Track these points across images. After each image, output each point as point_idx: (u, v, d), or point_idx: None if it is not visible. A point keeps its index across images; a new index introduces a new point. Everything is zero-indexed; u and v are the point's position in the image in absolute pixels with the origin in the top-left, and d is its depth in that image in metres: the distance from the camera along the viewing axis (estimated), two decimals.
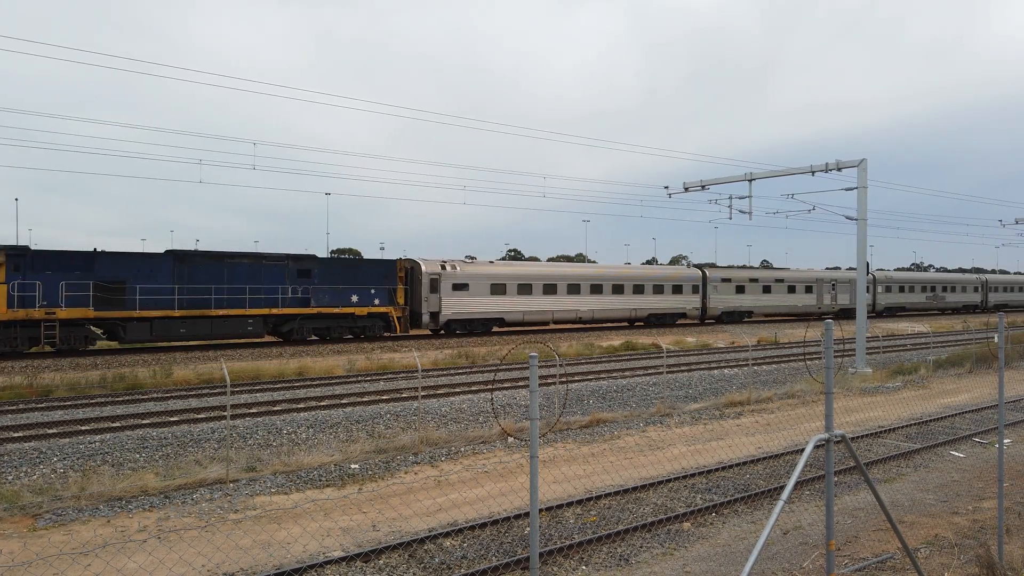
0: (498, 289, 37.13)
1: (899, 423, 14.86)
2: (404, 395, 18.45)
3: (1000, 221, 50.01)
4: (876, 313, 56.54)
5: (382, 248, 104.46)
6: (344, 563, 7.44)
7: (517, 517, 8.79)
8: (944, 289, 63.66)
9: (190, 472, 10.94)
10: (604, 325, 43.37)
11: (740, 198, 30.12)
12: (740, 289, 48.73)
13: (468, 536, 8.29)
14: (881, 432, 14.17)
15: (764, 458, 11.91)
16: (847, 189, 25.88)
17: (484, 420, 15.55)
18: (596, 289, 41.06)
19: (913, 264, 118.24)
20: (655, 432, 14.33)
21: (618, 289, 42.05)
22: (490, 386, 19.48)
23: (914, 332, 41.97)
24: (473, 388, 19.72)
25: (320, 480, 10.81)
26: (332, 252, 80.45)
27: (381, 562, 7.54)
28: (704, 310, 46.59)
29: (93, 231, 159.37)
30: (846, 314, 50.95)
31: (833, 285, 54.31)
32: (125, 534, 8.39)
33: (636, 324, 44.19)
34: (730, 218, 31.03)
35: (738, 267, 56.53)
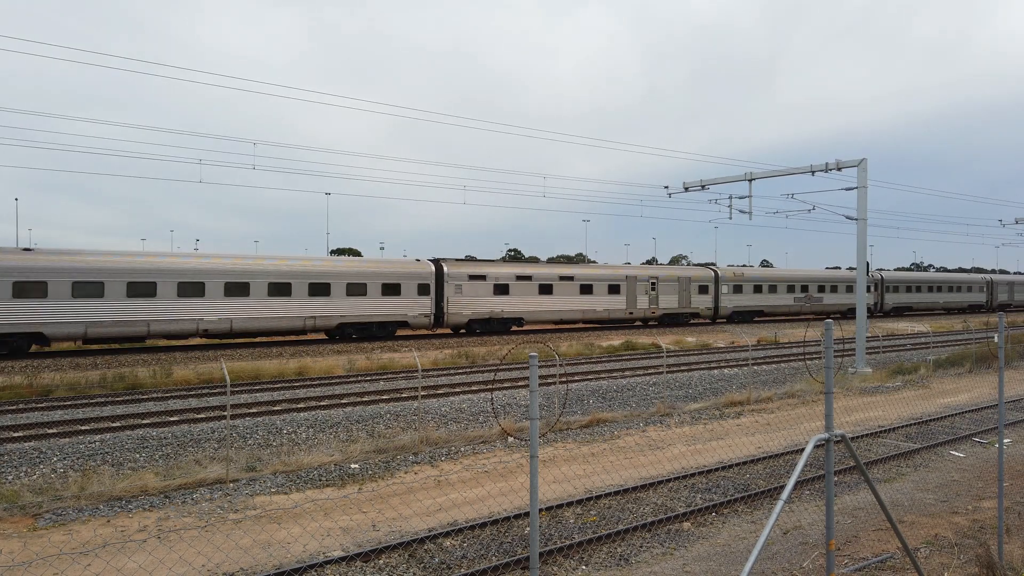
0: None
1: (899, 423, 14.86)
2: (404, 395, 18.45)
3: (1000, 221, 50.05)
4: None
5: (382, 248, 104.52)
6: (344, 563, 7.44)
7: (517, 517, 8.79)
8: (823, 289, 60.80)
9: (190, 472, 10.93)
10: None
11: (740, 198, 30.14)
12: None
13: (468, 536, 8.29)
14: (881, 432, 14.17)
15: (764, 458, 11.91)
16: (847, 189, 25.89)
17: (484, 420, 15.55)
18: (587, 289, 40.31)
19: (913, 264, 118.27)
20: (655, 432, 14.33)
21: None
22: (490, 386, 19.47)
23: (914, 332, 41.98)
24: (473, 388, 19.71)
25: (320, 480, 10.81)
26: (332, 252, 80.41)
27: (381, 562, 7.53)
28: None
29: (93, 231, 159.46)
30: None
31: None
32: (125, 534, 8.39)
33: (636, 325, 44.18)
34: (730, 218, 31.06)
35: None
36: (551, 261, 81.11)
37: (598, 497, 9.70)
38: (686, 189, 30.81)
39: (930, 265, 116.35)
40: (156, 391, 19.34)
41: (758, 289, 49.21)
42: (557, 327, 42.27)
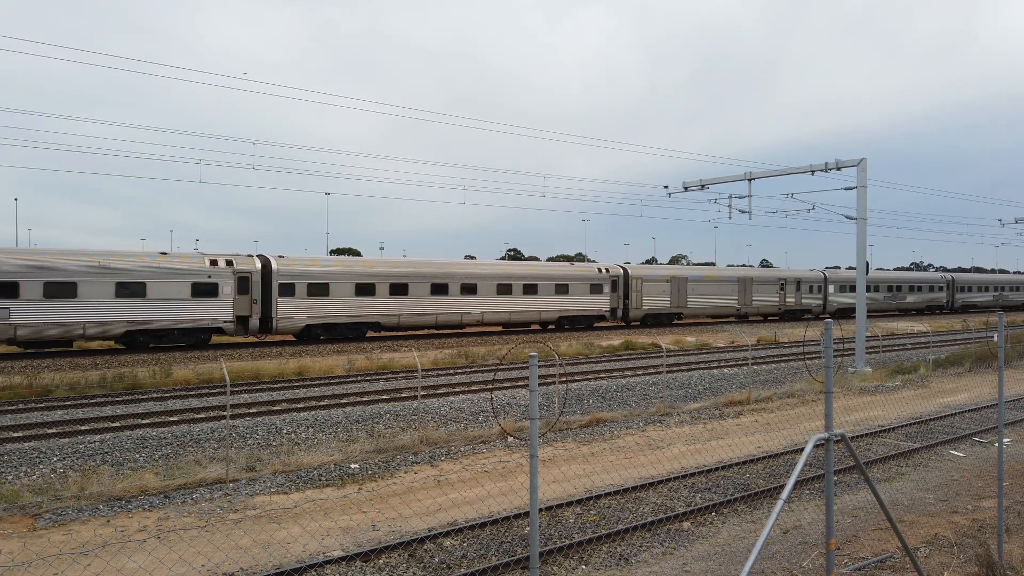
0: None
1: (899, 422, 14.86)
2: (404, 395, 18.45)
3: (1000, 220, 50.05)
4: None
5: (381, 248, 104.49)
6: (344, 563, 7.44)
7: (517, 516, 8.79)
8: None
9: (190, 472, 10.93)
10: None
11: (740, 197, 30.12)
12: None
13: (468, 536, 8.29)
14: (881, 431, 14.17)
15: (764, 457, 11.91)
16: (847, 188, 25.89)
17: (484, 420, 15.55)
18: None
19: (913, 263, 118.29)
20: (655, 432, 14.33)
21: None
22: (490, 386, 19.47)
23: (914, 332, 42.00)
24: (473, 388, 19.71)
25: (320, 480, 10.81)
26: (331, 252, 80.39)
27: (381, 562, 7.54)
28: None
29: (93, 231, 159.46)
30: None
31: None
32: (125, 534, 8.39)
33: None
34: (730, 217, 31.03)
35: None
36: (550, 260, 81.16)
37: (598, 497, 9.70)
38: (686, 189, 30.80)
39: (929, 265, 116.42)
40: (156, 391, 19.34)
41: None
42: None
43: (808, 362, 25.93)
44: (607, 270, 41.29)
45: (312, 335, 31.16)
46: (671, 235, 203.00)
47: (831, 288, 54.10)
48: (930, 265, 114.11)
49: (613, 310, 41.51)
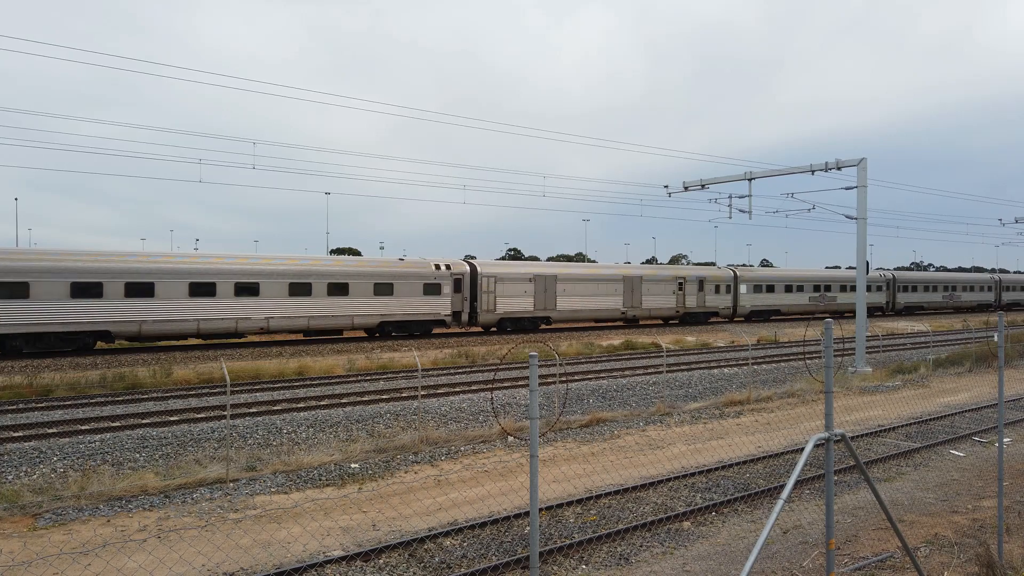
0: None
1: (899, 422, 14.86)
2: (404, 394, 18.44)
3: (1000, 220, 50.03)
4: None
5: (381, 248, 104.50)
6: (344, 562, 7.44)
7: (517, 516, 8.79)
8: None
9: (190, 472, 10.93)
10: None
11: (740, 197, 30.13)
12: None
13: (468, 535, 8.29)
14: (881, 431, 14.18)
15: (764, 457, 11.91)
16: (847, 188, 25.89)
17: (484, 419, 15.55)
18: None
19: (913, 263, 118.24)
20: (655, 431, 14.33)
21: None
22: (490, 385, 19.47)
23: (914, 331, 41.98)
24: (473, 387, 19.71)
25: (320, 479, 10.81)
26: (331, 251, 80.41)
27: (381, 561, 7.54)
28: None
29: (93, 231, 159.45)
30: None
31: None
32: (125, 533, 8.39)
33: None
34: (730, 217, 31.03)
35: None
36: (550, 260, 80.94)
37: (598, 496, 9.70)
38: (686, 188, 30.80)
39: (929, 264, 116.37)
40: (156, 391, 19.34)
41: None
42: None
43: (808, 362, 25.93)
44: (448, 267, 35.40)
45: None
46: (671, 235, 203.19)
47: (743, 288, 48.62)
48: (930, 265, 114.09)
49: (456, 314, 35.37)
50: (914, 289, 61.33)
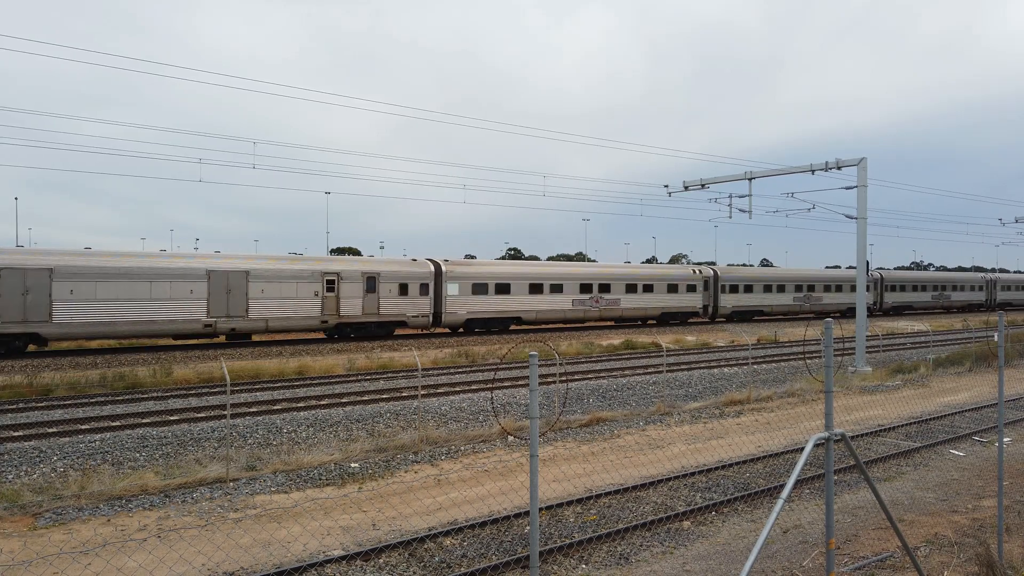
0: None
1: (899, 422, 14.87)
2: (404, 394, 18.44)
3: (1000, 220, 50.01)
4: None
5: (382, 247, 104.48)
6: (344, 562, 7.44)
7: (517, 516, 8.79)
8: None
9: (190, 471, 10.93)
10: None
11: (740, 197, 30.14)
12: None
13: (468, 535, 8.29)
14: (881, 431, 14.18)
15: (764, 457, 11.91)
16: (847, 188, 25.88)
17: (484, 419, 15.55)
18: None
19: (913, 263, 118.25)
20: (655, 431, 14.33)
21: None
22: (490, 385, 19.48)
23: (914, 331, 41.98)
24: (473, 387, 19.71)
25: (320, 479, 10.82)
26: (331, 251, 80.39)
27: (381, 561, 7.54)
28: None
29: (93, 230, 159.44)
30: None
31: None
32: (125, 533, 8.39)
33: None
34: (730, 217, 31.04)
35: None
36: (550, 260, 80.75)
37: (598, 496, 9.70)
38: (686, 188, 30.80)
39: (929, 264, 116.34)
40: (156, 390, 19.34)
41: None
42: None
43: (808, 361, 25.93)
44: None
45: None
46: (672, 235, 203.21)
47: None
48: (930, 265, 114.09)
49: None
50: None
